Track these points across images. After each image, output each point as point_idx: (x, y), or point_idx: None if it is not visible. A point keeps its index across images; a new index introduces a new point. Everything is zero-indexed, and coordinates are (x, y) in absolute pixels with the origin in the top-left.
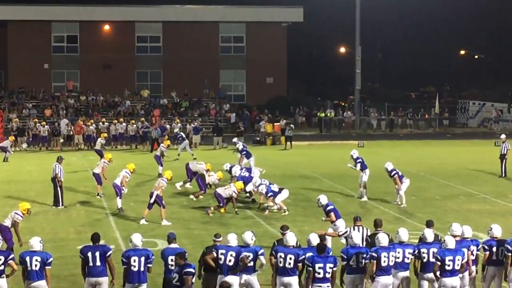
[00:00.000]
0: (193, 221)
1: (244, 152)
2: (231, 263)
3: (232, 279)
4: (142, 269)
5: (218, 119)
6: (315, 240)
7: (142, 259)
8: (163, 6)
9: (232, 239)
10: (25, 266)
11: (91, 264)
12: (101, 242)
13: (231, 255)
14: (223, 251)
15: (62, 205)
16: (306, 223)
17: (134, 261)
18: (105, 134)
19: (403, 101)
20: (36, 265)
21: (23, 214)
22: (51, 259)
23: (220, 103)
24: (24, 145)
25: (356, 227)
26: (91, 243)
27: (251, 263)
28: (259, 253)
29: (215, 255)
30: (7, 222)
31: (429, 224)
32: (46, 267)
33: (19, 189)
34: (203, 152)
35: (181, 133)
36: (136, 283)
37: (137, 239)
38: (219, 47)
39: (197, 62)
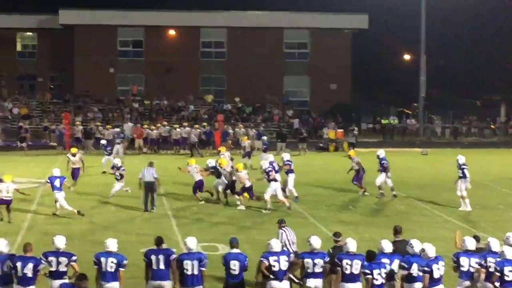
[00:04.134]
0: (254, 228)
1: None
2: (284, 268)
3: (284, 285)
4: (196, 272)
5: (282, 125)
6: (388, 247)
7: (195, 262)
8: (228, 12)
9: (277, 245)
10: (99, 267)
11: (154, 267)
12: (165, 245)
13: (284, 260)
14: (275, 258)
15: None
16: (367, 231)
17: (187, 264)
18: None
19: (468, 109)
20: (111, 267)
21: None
22: (126, 261)
23: (283, 109)
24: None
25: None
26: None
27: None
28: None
29: (266, 263)
30: None
31: (477, 239)
32: (120, 269)
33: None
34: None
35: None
36: (190, 287)
37: (192, 243)
38: (283, 53)
39: (261, 68)
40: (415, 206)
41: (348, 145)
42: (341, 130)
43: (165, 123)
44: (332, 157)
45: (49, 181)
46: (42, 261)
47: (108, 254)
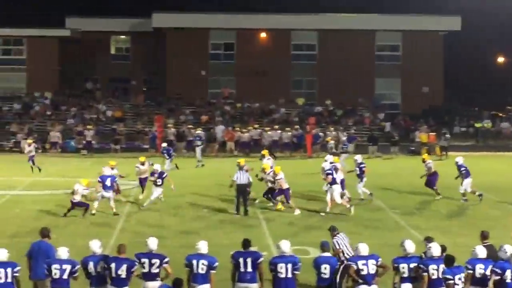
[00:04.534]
0: (344, 232)
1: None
2: (373, 272)
3: None
4: (289, 275)
5: (373, 128)
6: (482, 252)
7: (289, 266)
8: (319, 15)
9: (365, 249)
10: (190, 269)
11: (242, 269)
12: (254, 248)
13: (372, 264)
14: (364, 262)
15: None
16: (458, 235)
17: (281, 268)
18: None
19: None
20: (202, 269)
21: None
22: (217, 263)
23: (374, 112)
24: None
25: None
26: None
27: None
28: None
29: (355, 267)
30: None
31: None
32: (211, 271)
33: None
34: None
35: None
36: None
37: (286, 246)
38: (374, 55)
39: (352, 70)
40: (508, 210)
41: (440, 149)
42: (433, 133)
43: (256, 126)
44: None
45: (100, 180)
46: (136, 263)
47: (200, 256)
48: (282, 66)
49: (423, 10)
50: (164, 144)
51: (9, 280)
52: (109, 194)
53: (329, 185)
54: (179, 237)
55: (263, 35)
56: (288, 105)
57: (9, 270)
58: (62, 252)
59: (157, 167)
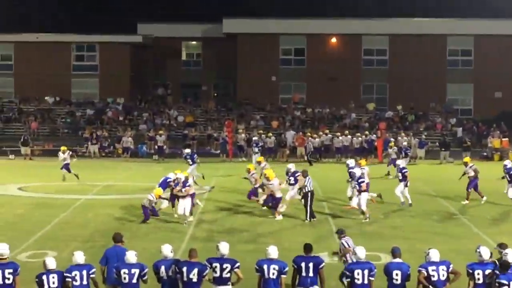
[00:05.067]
0: (415, 237)
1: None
2: (443, 278)
3: None
4: (365, 282)
5: (445, 133)
6: None
7: (366, 272)
8: (390, 19)
9: (436, 255)
10: (261, 274)
11: (303, 274)
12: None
13: (443, 270)
14: (434, 268)
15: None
16: None
17: (358, 274)
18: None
19: None
20: (273, 274)
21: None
22: (287, 268)
23: (446, 117)
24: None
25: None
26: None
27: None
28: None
29: (425, 273)
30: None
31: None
32: (282, 276)
33: None
34: (427, 167)
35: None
36: None
37: (362, 252)
38: (446, 60)
39: (423, 75)
40: None
41: None
42: (507, 139)
43: (327, 131)
44: (496, 166)
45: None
46: (207, 267)
47: (270, 261)
48: (353, 71)
49: (496, 14)
50: (188, 150)
51: (84, 282)
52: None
53: (357, 192)
54: (249, 242)
55: (333, 40)
56: (359, 110)
57: (84, 272)
58: (131, 256)
59: (180, 175)
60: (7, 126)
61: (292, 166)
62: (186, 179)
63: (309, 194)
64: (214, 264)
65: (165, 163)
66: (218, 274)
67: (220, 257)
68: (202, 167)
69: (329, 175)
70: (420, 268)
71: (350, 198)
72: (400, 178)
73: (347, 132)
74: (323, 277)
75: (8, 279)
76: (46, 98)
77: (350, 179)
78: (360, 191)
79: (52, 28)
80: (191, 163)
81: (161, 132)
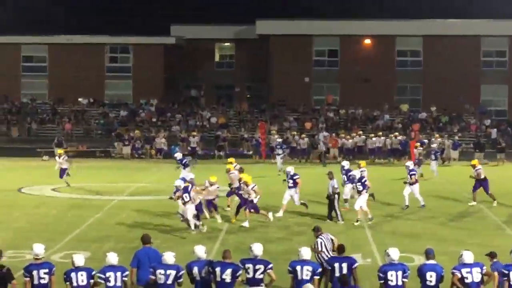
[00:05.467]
0: (449, 239)
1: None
2: (477, 280)
3: None
4: (399, 283)
5: (479, 134)
6: None
7: (399, 273)
8: (424, 20)
9: (469, 256)
10: (294, 275)
11: (337, 274)
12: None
13: (477, 272)
14: (468, 270)
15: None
16: None
17: (392, 275)
18: None
19: None
20: (307, 275)
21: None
22: (320, 269)
23: (480, 118)
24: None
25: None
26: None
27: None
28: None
29: (459, 275)
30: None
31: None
32: (315, 277)
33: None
34: (461, 168)
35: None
36: None
37: (395, 254)
38: (480, 61)
39: (457, 77)
40: None
41: None
42: None
43: (360, 132)
44: None
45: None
46: (241, 268)
47: (303, 262)
48: (386, 72)
49: None
50: (179, 155)
51: (118, 284)
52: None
53: (359, 193)
54: (282, 243)
55: (367, 41)
56: (392, 112)
57: (118, 274)
58: (168, 257)
59: (179, 182)
60: (41, 127)
61: (291, 169)
62: (187, 186)
63: (336, 195)
64: (247, 265)
65: (198, 164)
66: (251, 275)
67: (253, 258)
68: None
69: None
70: (454, 270)
71: (346, 201)
72: (409, 180)
73: (380, 133)
74: (356, 277)
75: (44, 279)
76: (80, 99)
77: (346, 181)
78: (362, 191)
79: (86, 30)
80: (182, 167)
81: (194, 133)
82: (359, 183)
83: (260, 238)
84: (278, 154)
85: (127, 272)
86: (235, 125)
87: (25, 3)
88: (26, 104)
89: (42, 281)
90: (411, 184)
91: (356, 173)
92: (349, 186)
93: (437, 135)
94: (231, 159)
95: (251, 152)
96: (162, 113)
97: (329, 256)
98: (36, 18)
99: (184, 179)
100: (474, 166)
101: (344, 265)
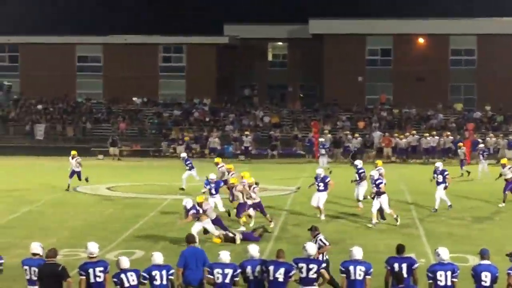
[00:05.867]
0: (506, 239)
1: None
2: None
3: None
4: (449, 283)
5: None
6: None
7: (449, 273)
8: (478, 19)
9: None
10: (347, 276)
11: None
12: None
13: None
14: None
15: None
16: None
17: (441, 275)
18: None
19: None
20: (360, 275)
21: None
22: (372, 269)
23: None
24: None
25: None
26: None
27: None
28: None
29: None
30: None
31: None
32: (367, 277)
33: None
34: None
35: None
36: None
37: (445, 253)
38: None
39: None
40: None
41: None
42: None
43: (414, 131)
44: None
45: (205, 185)
46: (294, 267)
47: (356, 262)
48: (440, 71)
49: None
50: (184, 155)
51: (164, 282)
52: (215, 199)
53: (377, 196)
54: (334, 242)
55: (420, 40)
56: (446, 111)
57: (164, 272)
58: (224, 256)
59: (186, 202)
60: (96, 127)
61: (321, 172)
62: (196, 204)
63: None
64: (300, 265)
65: (251, 163)
66: (304, 275)
67: (307, 257)
68: (287, 168)
69: (415, 177)
70: (510, 271)
71: (359, 200)
72: (440, 180)
73: (434, 132)
74: (416, 277)
75: (99, 277)
76: (134, 99)
77: (358, 180)
78: (379, 194)
79: (140, 30)
80: (188, 168)
81: (247, 132)
82: (374, 185)
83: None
84: (322, 154)
85: (172, 271)
86: (288, 124)
87: (78, 4)
88: (81, 104)
89: (97, 279)
90: (439, 184)
91: (374, 173)
92: (363, 185)
93: (492, 135)
94: (218, 159)
95: (304, 152)
96: (216, 112)
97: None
98: (90, 18)
99: (208, 183)
100: (504, 166)
101: (404, 266)
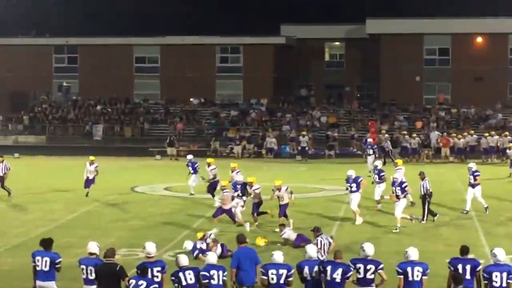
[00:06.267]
0: None
1: None
2: None
3: None
4: (504, 285)
5: None
6: None
7: (504, 274)
8: None
9: None
10: (405, 277)
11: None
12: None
13: None
14: None
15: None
16: None
17: (496, 276)
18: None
19: None
20: (417, 276)
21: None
22: (428, 270)
23: None
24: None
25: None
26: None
27: None
28: None
29: None
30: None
31: None
32: (423, 277)
33: None
34: None
35: None
36: None
37: (501, 254)
38: None
39: None
40: None
41: None
42: None
43: (472, 131)
44: None
45: (232, 187)
46: (351, 268)
47: (413, 263)
48: (499, 70)
49: None
50: (190, 156)
51: (220, 282)
52: (239, 201)
53: (397, 198)
54: (393, 243)
55: (479, 39)
56: (506, 110)
57: (220, 272)
58: (278, 256)
59: (186, 244)
60: (154, 127)
61: (353, 173)
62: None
63: (428, 196)
64: (358, 265)
65: (308, 163)
66: (362, 275)
67: (364, 257)
68: (344, 168)
69: None
70: None
71: (378, 202)
72: (472, 181)
73: (493, 132)
74: (480, 279)
75: (157, 277)
76: (191, 99)
77: (378, 181)
78: (397, 197)
79: (197, 31)
80: (192, 171)
81: (303, 133)
82: (399, 188)
83: (371, 238)
84: (369, 155)
85: (226, 272)
86: (345, 124)
87: (136, 5)
88: (138, 105)
89: (155, 279)
90: (473, 186)
91: (398, 176)
92: (382, 186)
93: None
94: (210, 160)
95: (361, 152)
96: (272, 112)
97: (324, 255)
98: (148, 19)
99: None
100: None
101: (468, 267)
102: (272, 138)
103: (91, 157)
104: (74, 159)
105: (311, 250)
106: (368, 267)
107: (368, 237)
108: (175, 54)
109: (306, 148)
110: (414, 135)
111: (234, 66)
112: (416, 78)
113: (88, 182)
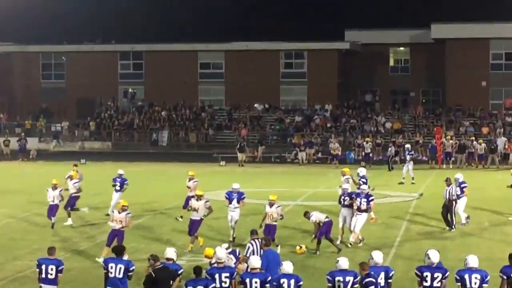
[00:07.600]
0: None
1: None
2: None
3: None
4: None
5: None
6: None
7: None
8: None
9: None
10: (463, 284)
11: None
12: None
13: None
14: None
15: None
16: None
17: None
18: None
19: None
20: (475, 283)
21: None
22: (488, 278)
23: None
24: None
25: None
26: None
27: None
28: None
29: None
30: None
31: None
32: (484, 285)
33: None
34: None
35: None
36: None
37: None
38: None
39: None
40: None
41: None
42: None
43: None
44: None
45: (227, 196)
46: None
47: (471, 270)
48: None
49: None
50: (121, 171)
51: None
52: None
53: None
54: (455, 249)
55: None
56: None
57: (292, 281)
58: (344, 263)
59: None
60: (218, 133)
61: (364, 172)
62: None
63: (454, 202)
64: (425, 273)
65: (372, 169)
66: (428, 284)
67: (430, 265)
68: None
69: None
70: None
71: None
72: (458, 193)
73: None
74: None
75: (225, 282)
76: (255, 105)
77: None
78: (360, 210)
79: (261, 36)
80: (118, 188)
81: (368, 139)
82: (365, 200)
83: (436, 245)
84: (408, 161)
85: (269, 277)
86: (410, 130)
87: (200, 12)
88: (203, 110)
89: (223, 285)
90: (459, 197)
91: (347, 186)
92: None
93: None
94: (191, 172)
95: (426, 158)
96: (337, 118)
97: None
98: (212, 26)
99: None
100: None
101: None
102: (336, 144)
103: (54, 180)
104: (140, 165)
105: (377, 257)
106: (435, 275)
107: (433, 243)
108: (240, 59)
109: (371, 154)
110: (481, 140)
111: (298, 72)
112: (482, 83)
113: (53, 210)
